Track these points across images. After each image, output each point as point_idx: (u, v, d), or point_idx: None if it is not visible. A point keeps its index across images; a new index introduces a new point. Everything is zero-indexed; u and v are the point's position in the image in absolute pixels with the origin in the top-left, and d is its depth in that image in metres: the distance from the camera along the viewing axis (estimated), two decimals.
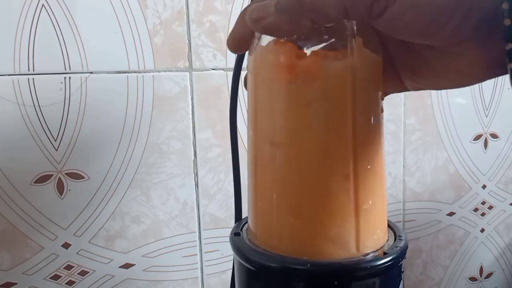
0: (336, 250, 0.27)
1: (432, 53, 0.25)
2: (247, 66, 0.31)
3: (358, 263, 0.26)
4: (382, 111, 0.29)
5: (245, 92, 0.54)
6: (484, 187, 0.68)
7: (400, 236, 0.30)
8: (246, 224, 0.33)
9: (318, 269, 0.26)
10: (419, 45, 0.26)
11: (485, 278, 0.71)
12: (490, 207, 0.69)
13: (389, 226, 0.31)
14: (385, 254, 0.27)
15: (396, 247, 0.28)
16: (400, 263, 0.28)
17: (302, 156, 0.27)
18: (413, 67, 0.28)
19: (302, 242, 0.27)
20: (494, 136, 0.67)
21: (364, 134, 0.27)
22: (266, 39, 0.29)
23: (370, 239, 0.28)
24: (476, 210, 0.68)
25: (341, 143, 0.27)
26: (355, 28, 0.26)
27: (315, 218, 0.27)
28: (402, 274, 0.29)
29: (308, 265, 0.26)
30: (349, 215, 0.27)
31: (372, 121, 0.28)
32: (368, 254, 0.27)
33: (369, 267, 0.26)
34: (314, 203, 0.27)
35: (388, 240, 0.30)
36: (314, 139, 0.27)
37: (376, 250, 0.28)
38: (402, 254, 0.28)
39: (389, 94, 0.31)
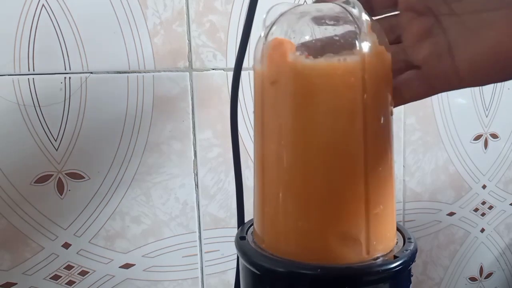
0: (346, 254, 0.26)
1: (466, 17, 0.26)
2: (253, 66, 0.30)
3: (370, 267, 0.26)
4: (391, 113, 0.28)
5: (245, 92, 0.54)
6: (484, 187, 0.68)
7: (410, 238, 0.29)
8: (251, 228, 0.32)
9: (329, 273, 0.26)
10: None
11: (485, 278, 0.71)
12: (490, 207, 0.69)
13: (397, 228, 0.30)
14: (395, 257, 0.27)
15: (406, 250, 0.28)
16: (410, 266, 0.28)
17: (311, 160, 0.27)
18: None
19: (311, 246, 0.27)
20: (494, 136, 0.67)
21: (374, 136, 0.27)
22: (270, 39, 0.28)
23: (381, 243, 0.27)
24: (476, 210, 0.68)
25: (352, 146, 0.26)
26: (365, 28, 0.26)
27: (325, 222, 0.26)
28: (411, 278, 0.29)
29: (319, 270, 0.25)
30: (360, 219, 0.26)
31: (382, 124, 0.27)
32: (378, 257, 0.27)
33: (380, 271, 0.26)
34: (324, 207, 0.26)
35: (397, 242, 0.29)
36: (323, 143, 0.26)
37: (386, 254, 0.27)
38: (412, 257, 0.28)
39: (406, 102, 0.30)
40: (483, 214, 0.69)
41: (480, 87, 0.65)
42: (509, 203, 0.70)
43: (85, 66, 0.49)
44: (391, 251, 0.28)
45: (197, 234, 0.55)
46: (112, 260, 0.53)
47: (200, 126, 0.53)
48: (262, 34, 0.29)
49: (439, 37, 0.27)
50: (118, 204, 0.52)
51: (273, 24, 0.29)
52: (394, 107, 0.29)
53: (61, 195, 0.50)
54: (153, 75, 0.51)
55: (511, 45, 0.24)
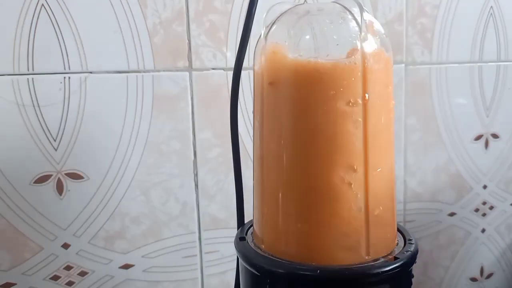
0: (346, 255, 0.26)
1: None
2: (253, 66, 0.30)
3: (370, 268, 0.26)
4: (392, 113, 0.28)
5: (245, 92, 0.54)
6: (485, 187, 0.68)
7: (410, 239, 0.29)
8: (251, 229, 0.32)
9: (329, 275, 0.25)
10: None
11: (486, 279, 0.71)
12: (491, 208, 0.69)
13: (398, 229, 0.30)
14: (396, 259, 0.27)
15: (406, 251, 0.28)
16: (411, 268, 0.28)
17: (310, 160, 0.26)
18: None
19: (311, 248, 0.27)
20: (495, 136, 0.67)
21: (375, 137, 0.27)
22: (272, 40, 0.28)
23: (381, 244, 0.27)
24: (477, 210, 0.68)
25: (352, 147, 0.26)
26: (366, 28, 0.26)
27: (324, 223, 0.26)
28: (412, 279, 0.29)
29: (318, 271, 0.25)
30: (361, 220, 0.26)
31: (383, 124, 0.27)
32: (378, 259, 0.27)
33: (381, 272, 0.26)
34: (323, 208, 0.26)
35: (397, 244, 0.29)
36: (323, 144, 0.26)
37: (387, 255, 0.27)
38: (413, 258, 0.27)
39: None
40: (484, 215, 0.69)
41: (481, 87, 0.65)
42: (510, 203, 0.70)
43: (85, 66, 0.49)
44: (391, 252, 0.28)
45: (197, 234, 0.55)
46: (112, 260, 0.52)
47: (200, 126, 0.53)
48: (262, 34, 0.28)
49: None
50: (118, 204, 0.52)
51: (273, 23, 0.29)
52: None
53: (60, 195, 0.50)
54: (152, 75, 0.51)
55: None
